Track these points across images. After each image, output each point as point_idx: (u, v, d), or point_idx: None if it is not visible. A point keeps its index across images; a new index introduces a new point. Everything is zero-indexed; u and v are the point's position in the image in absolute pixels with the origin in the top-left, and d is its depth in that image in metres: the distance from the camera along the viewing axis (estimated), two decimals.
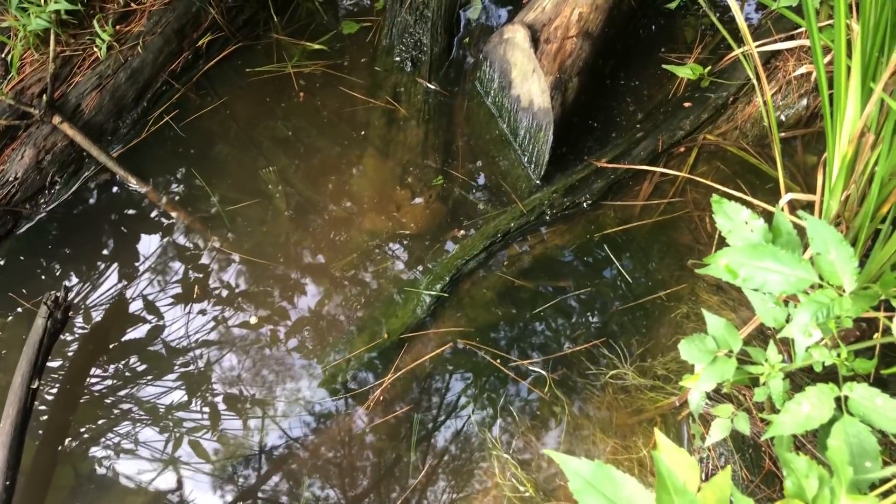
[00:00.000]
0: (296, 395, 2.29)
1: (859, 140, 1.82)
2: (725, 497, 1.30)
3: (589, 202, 2.55)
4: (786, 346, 2.06)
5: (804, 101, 2.60)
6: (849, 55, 1.80)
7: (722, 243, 2.43)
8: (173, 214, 2.66)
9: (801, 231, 1.55)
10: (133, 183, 2.70)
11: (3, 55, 2.72)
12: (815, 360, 1.58)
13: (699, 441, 2.07)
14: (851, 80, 1.75)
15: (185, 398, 2.31)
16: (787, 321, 1.61)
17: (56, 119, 2.61)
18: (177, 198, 2.70)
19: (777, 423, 1.35)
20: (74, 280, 2.54)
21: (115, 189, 2.73)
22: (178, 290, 2.51)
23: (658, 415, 2.17)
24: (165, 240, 2.62)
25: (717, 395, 2.11)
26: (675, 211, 2.54)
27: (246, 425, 2.25)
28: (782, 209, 1.83)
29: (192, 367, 2.36)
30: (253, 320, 2.42)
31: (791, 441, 1.71)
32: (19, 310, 2.46)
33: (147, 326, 2.44)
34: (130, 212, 2.69)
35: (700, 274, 2.38)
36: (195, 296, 2.48)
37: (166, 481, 2.19)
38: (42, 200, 2.66)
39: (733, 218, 1.52)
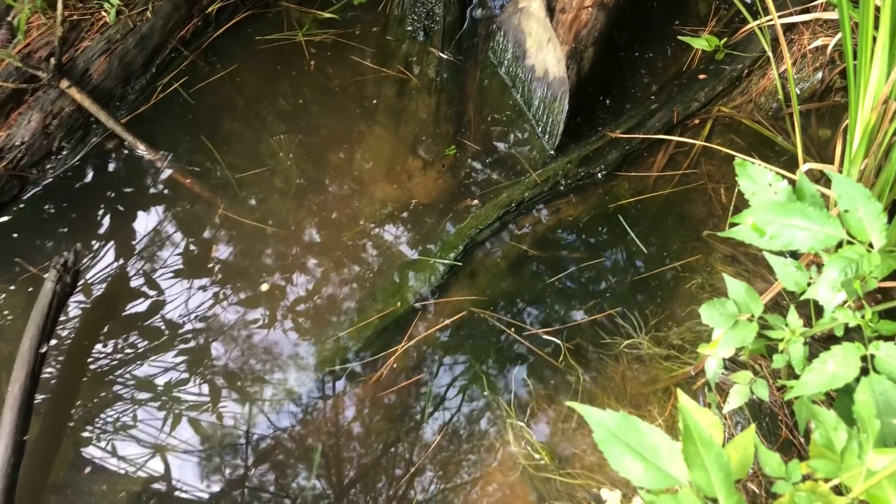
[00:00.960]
0: (307, 363, 2.30)
1: (883, 107, 1.83)
2: (749, 455, 1.33)
3: (603, 173, 2.56)
4: (805, 311, 2.08)
5: (819, 75, 2.61)
6: (875, 26, 1.82)
7: (737, 214, 2.46)
8: (182, 181, 2.66)
9: (823, 198, 1.57)
10: (141, 149, 2.69)
11: (9, 18, 2.71)
12: (838, 323, 1.60)
13: (715, 410, 2.10)
14: (878, 48, 1.77)
15: (193, 371, 2.31)
16: (809, 285, 1.63)
17: (64, 83, 2.60)
18: (185, 165, 2.69)
19: (802, 383, 1.38)
20: (85, 248, 2.54)
21: (123, 156, 2.72)
22: (189, 259, 2.52)
23: (673, 384, 2.20)
24: (174, 209, 2.62)
25: (732, 365, 2.14)
26: (690, 183, 2.55)
27: (258, 395, 2.27)
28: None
29: (200, 340, 2.36)
30: (264, 287, 2.43)
31: (811, 409, 1.74)
32: (24, 277, 2.46)
33: (154, 299, 2.44)
34: (139, 180, 2.68)
35: (715, 245, 2.42)
36: (208, 263, 2.49)
37: (161, 463, 2.18)
38: (49, 166, 2.66)
39: (757, 180, 1.54)
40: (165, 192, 2.65)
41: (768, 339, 1.73)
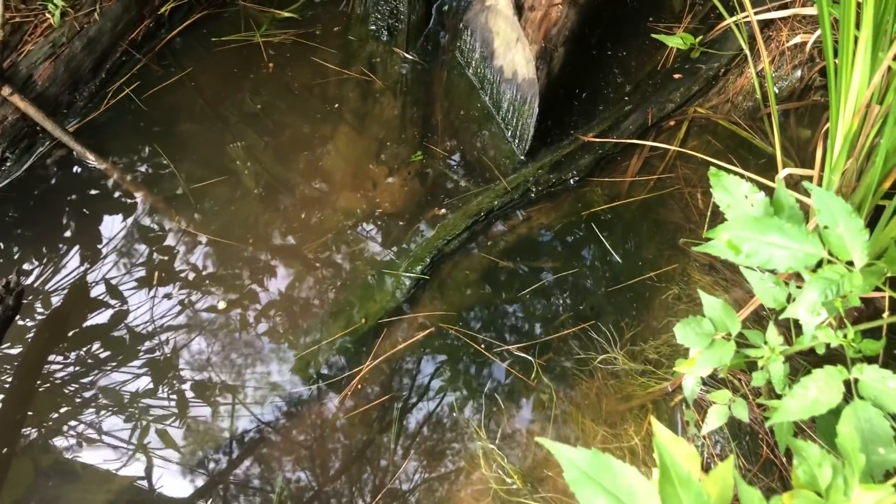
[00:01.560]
0: (266, 384, 2.20)
1: (865, 111, 1.76)
2: (728, 488, 1.25)
3: (576, 179, 2.48)
4: (783, 328, 2.01)
5: (798, 73, 2.55)
6: (857, 24, 1.74)
7: (715, 221, 2.39)
8: (135, 193, 2.54)
9: (803, 207, 1.50)
10: (91, 159, 2.58)
11: None
12: (819, 342, 1.53)
13: (693, 428, 2.03)
14: (860, 47, 1.70)
15: (151, 386, 2.20)
16: (789, 301, 1.56)
17: (6, 90, 2.48)
18: (139, 175, 2.58)
19: (783, 409, 1.30)
20: (34, 263, 2.42)
21: (73, 167, 2.60)
22: (141, 273, 2.40)
23: (650, 401, 2.12)
24: (127, 221, 2.50)
25: (711, 380, 2.07)
26: (665, 188, 2.48)
27: (214, 416, 2.16)
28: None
29: (157, 354, 2.26)
30: (221, 305, 2.33)
31: (792, 427, 1.67)
32: None
33: (109, 311, 2.33)
34: (90, 191, 2.57)
35: (692, 254, 2.35)
36: (158, 280, 2.38)
37: (133, 471, 2.09)
38: None
39: (732, 192, 1.46)
40: (117, 203, 2.53)
41: (747, 356, 1.66)
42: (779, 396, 1.70)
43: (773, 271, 1.69)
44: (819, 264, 1.23)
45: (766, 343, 1.65)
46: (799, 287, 1.64)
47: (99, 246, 2.46)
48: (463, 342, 2.24)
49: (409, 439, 2.12)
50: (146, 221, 2.50)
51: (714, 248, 1.35)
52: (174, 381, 2.22)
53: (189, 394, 2.20)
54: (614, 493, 1.12)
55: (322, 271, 2.39)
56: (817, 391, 1.29)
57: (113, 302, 2.35)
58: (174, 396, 2.20)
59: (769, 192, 1.46)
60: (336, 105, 2.72)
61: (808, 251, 1.21)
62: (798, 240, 1.21)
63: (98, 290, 2.37)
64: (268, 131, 2.67)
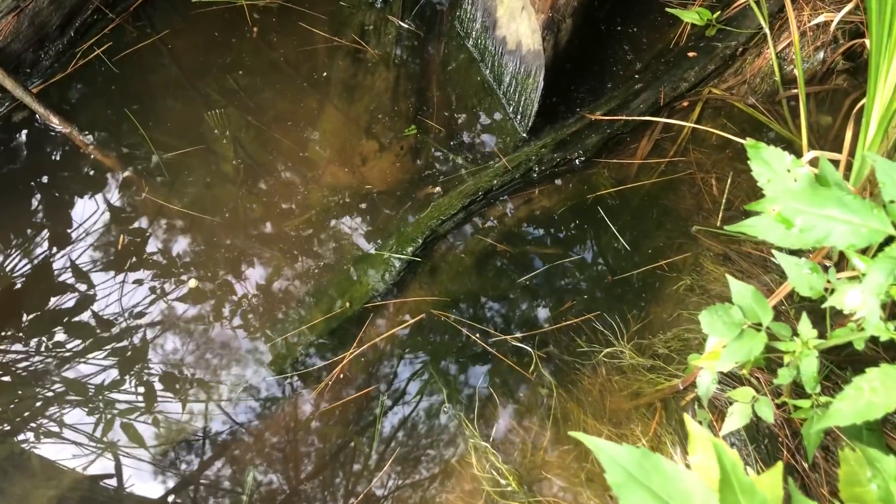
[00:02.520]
0: (242, 371, 2.03)
1: None
2: (778, 498, 1.10)
3: (581, 159, 2.33)
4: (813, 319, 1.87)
5: (820, 55, 2.41)
6: None
7: (730, 210, 2.25)
8: (101, 161, 2.36)
9: None
10: (55, 123, 2.39)
11: None
12: (861, 336, 1.39)
13: (707, 429, 1.88)
14: None
15: (118, 375, 2.03)
16: (827, 290, 1.42)
17: None
18: (106, 142, 2.40)
19: (834, 413, 1.14)
20: None
21: (35, 130, 2.41)
22: (108, 251, 2.22)
23: (658, 399, 1.97)
24: (92, 191, 2.32)
25: (724, 377, 1.92)
26: (677, 172, 2.33)
27: (181, 409, 1.99)
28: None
29: (121, 337, 2.08)
30: (192, 283, 2.15)
31: (821, 433, 1.54)
32: None
33: (73, 295, 2.15)
34: (52, 158, 2.38)
35: (704, 241, 2.20)
36: (123, 255, 2.20)
37: (86, 466, 1.92)
38: None
39: (773, 165, 1.31)
40: (83, 171, 2.35)
41: (774, 351, 1.51)
42: (805, 396, 1.57)
43: (795, 253, 1.54)
44: (886, 242, 1.07)
45: (798, 336, 1.50)
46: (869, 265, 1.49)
47: (61, 218, 2.27)
48: (456, 331, 2.08)
49: (393, 435, 1.95)
50: (112, 192, 2.31)
51: (755, 227, 1.20)
52: (138, 370, 2.04)
53: (155, 384, 2.02)
54: (666, 501, 0.96)
55: (304, 250, 2.22)
56: (872, 393, 1.13)
57: (76, 284, 2.17)
58: (138, 386, 2.02)
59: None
60: (324, 74, 2.55)
61: (874, 227, 1.06)
62: (862, 214, 1.06)
63: (60, 270, 2.19)
64: (249, 100, 2.49)
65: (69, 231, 2.24)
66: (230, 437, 1.96)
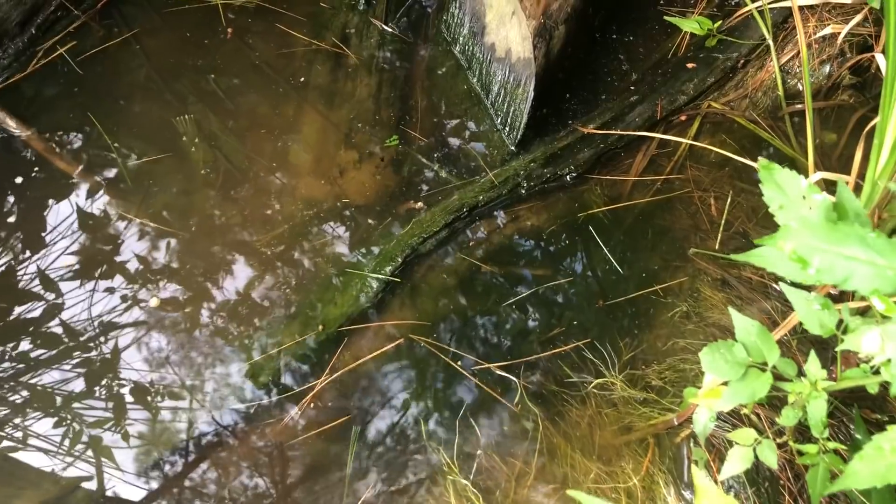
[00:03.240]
0: (204, 399, 1.91)
1: None
2: None
3: (573, 175, 2.22)
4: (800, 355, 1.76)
5: (826, 69, 2.31)
6: None
7: (729, 231, 2.14)
8: (62, 168, 2.23)
9: None
10: (12, 126, 2.26)
11: None
12: (875, 380, 1.29)
13: (702, 469, 1.77)
14: None
15: (78, 390, 1.90)
16: (840, 329, 1.32)
17: None
18: (68, 147, 2.27)
19: (850, 474, 1.03)
20: None
21: None
22: (63, 261, 2.09)
23: (651, 435, 1.87)
24: (51, 200, 2.19)
25: (724, 414, 1.81)
26: (673, 190, 2.23)
27: (143, 440, 1.86)
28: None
29: (83, 355, 1.95)
30: (153, 303, 2.03)
31: (828, 482, 1.43)
32: None
33: (36, 305, 2.02)
34: (9, 164, 2.25)
35: (702, 265, 2.10)
36: (83, 265, 2.07)
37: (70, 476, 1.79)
38: None
39: (787, 190, 1.21)
40: (40, 178, 2.22)
41: (784, 390, 1.41)
42: (810, 438, 1.47)
43: (801, 286, 1.44)
44: None
45: (805, 377, 1.40)
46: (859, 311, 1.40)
47: (15, 228, 2.14)
48: (436, 357, 1.97)
49: (366, 471, 1.84)
50: (72, 201, 2.18)
51: (766, 260, 1.10)
52: (102, 390, 1.91)
53: (99, 412, 1.89)
54: None
55: (275, 268, 2.10)
56: (892, 453, 1.02)
57: (41, 293, 2.04)
58: (75, 413, 1.89)
59: None
60: (302, 79, 2.43)
61: None
62: (887, 255, 0.95)
63: (20, 280, 2.06)
64: (221, 105, 2.37)
65: (21, 239, 2.12)
66: (185, 467, 1.84)
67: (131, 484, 1.80)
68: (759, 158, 1.23)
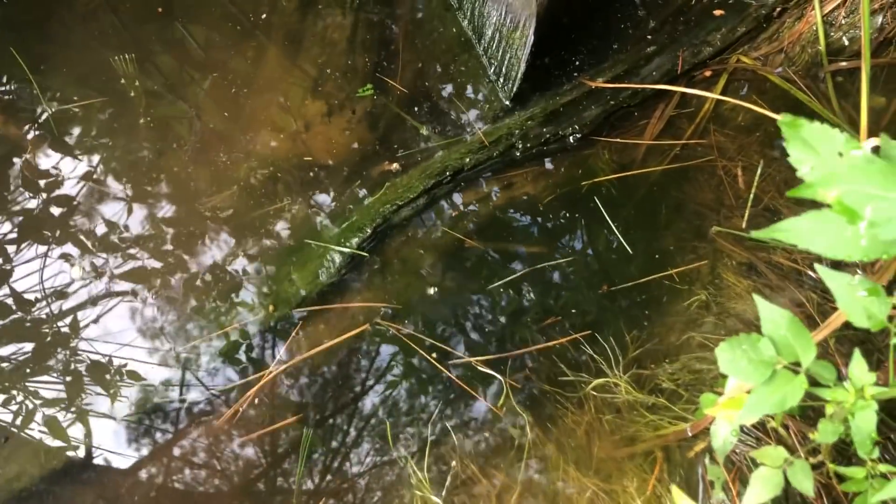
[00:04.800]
0: (128, 391, 1.66)
1: None
2: None
3: (576, 136, 1.99)
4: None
5: (878, 20, 2.04)
6: None
7: (758, 206, 1.89)
8: None
9: None
10: None
11: None
12: None
13: (720, 492, 1.53)
14: None
15: None
16: (892, 319, 1.07)
17: None
18: None
19: None
20: None
21: None
22: None
23: (659, 446, 1.63)
24: None
25: (746, 426, 1.57)
26: (694, 158, 1.99)
27: (51, 443, 1.61)
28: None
29: None
30: (75, 272, 1.77)
31: None
32: None
33: None
34: None
35: (726, 247, 1.85)
36: None
37: None
38: None
39: (818, 147, 0.95)
40: None
41: (822, 399, 1.20)
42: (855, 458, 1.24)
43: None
44: None
45: (846, 381, 1.17)
46: None
47: None
48: (408, 348, 1.72)
49: (318, 483, 1.60)
50: None
51: (791, 231, 0.86)
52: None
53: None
54: None
55: (222, 236, 1.85)
56: None
57: None
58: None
59: None
60: (264, 17, 2.16)
61: None
62: None
63: None
64: (169, 43, 2.13)
65: None
66: (105, 466, 1.60)
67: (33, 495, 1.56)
68: (781, 114, 0.96)
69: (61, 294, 1.75)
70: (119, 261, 1.80)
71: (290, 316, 1.75)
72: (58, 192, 1.88)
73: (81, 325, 1.72)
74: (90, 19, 2.15)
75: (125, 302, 1.75)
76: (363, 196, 1.90)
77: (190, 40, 2.12)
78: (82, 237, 1.82)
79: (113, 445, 1.61)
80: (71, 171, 1.90)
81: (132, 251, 1.81)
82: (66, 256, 1.80)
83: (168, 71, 2.07)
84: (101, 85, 2.04)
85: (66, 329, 1.71)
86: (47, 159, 1.92)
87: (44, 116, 1.98)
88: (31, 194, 1.87)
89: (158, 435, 1.63)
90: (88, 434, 1.61)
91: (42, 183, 1.88)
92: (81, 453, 1.60)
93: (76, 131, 1.97)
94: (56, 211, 1.86)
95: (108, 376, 1.66)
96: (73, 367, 1.67)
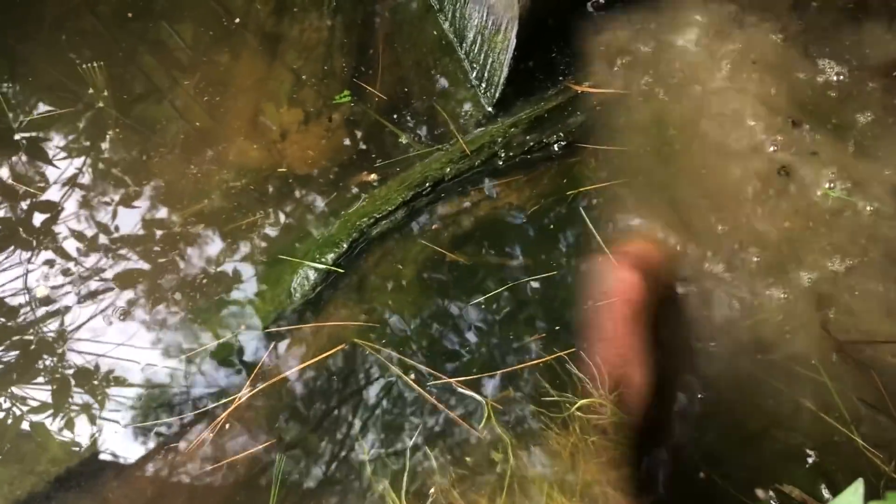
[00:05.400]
0: (95, 409, 1.62)
1: None
2: None
3: (562, 144, 1.93)
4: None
5: None
6: None
7: None
8: None
9: None
10: None
11: None
12: None
13: None
14: None
15: None
16: None
17: None
18: None
19: None
20: None
21: None
22: None
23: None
24: None
25: None
26: None
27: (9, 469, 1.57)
28: None
29: None
30: (40, 292, 1.72)
31: None
32: None
33: None
34: None
35: None
36: None
37: None
38: None
39: None
40: None
41: None
42: None
43: None
44: None
45: None
46: None
47: None
48: (385, 368, 1.67)
49: None
50: None
51: None
52: None
53: None
54: None
55: (193, 250, 1.80)
56: None
57: None
58: None
59: None
60: (237, 20, 2.11)
61: None
62: None
63: None
64: (139, 49, 2.09)
65: None
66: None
67: None
68: None
69: (23, 322, 1.71)
70: (81, 281, 1.75)
71: (262, 336, 1.70)
72: (17, 200, 1.83)
73: (48, 352, 1.67)
74: (56, 27, 2.10)
75: (92, 318, 1.70)
76: (339, 209, 1.85)
77: (161, 49, 2.07)
78: (55, 252, 1.78)
79: (72, 474, 1.56)
80: (28, 181, 1.85)
81: (97, 267, 1.76)
82: (33, 274, 1.75)
83: (138, 80, 2.02)
84: (67, 92, 2.00)
85: (36, 349, 1.66)
86: (9, 169, 1.88)
87: (13, 124, 1.94)
88: None
89: (114, 466, 1.58)
90: (66, 453, 1.57)
91: (4, 195, 1.84)
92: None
93: (44, 139, 1.92)
94: (11, 226, 1.81)
95: (68, 400, 1.62)
96: (31, 389, 1.62)
